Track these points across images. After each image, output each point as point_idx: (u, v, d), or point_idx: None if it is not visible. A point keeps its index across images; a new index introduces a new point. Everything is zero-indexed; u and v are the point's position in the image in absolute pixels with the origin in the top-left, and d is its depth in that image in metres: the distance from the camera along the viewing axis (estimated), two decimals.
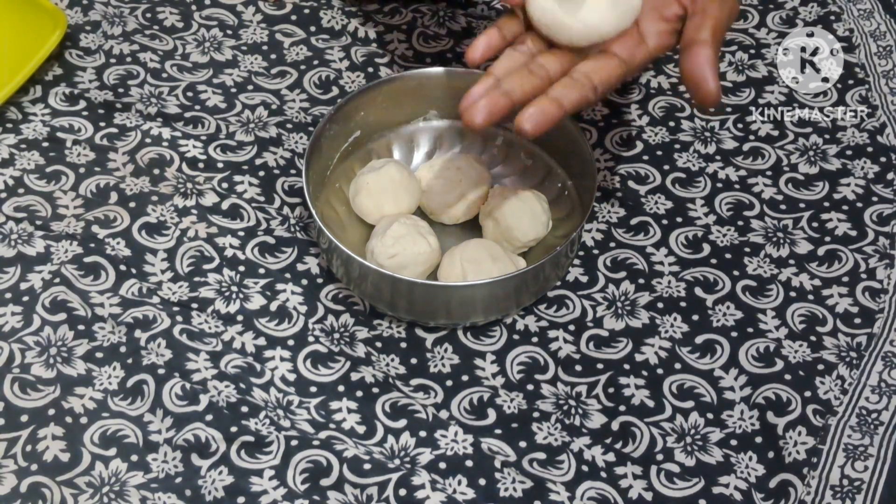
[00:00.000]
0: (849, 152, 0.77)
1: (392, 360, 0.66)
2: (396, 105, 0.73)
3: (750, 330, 0.67)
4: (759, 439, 0.63)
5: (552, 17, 0.57)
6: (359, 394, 0.64)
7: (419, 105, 0.75)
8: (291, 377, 0.65)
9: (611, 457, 0.62)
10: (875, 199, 0.74)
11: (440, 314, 0.66)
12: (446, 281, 0.66)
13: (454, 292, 0.64)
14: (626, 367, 0.66)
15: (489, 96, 0.55)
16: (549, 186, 0.73)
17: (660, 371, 0.66)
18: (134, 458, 0.61)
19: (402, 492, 0.60)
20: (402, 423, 0.63)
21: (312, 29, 0.84)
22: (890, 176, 0.76)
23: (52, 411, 0.62)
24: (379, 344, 0.67)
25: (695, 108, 0.80)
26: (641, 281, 0.70)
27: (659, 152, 0.77)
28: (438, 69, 0.73)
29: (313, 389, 0.64)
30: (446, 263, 0.67)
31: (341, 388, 0.64)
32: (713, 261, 0.71)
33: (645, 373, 0.65)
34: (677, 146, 0.77)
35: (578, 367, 0.66)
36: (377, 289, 0.65)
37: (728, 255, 0.71)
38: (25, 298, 0.67)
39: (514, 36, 0.59)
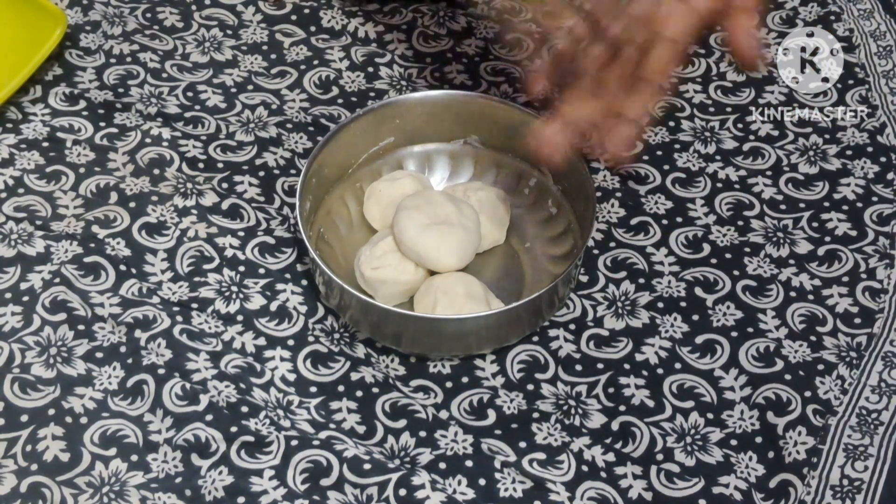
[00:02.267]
0: (849, 152, 0.77)
1: (392, 360, 0.66)
2: (437, 121, 0.72)
3: (750, 330, 0.67)
4: (759, 439, 0.63)
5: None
6: (359, 394, 0.64)
7: (460, 126, 0.73)
8: (291, 377, 0.65)
9: (611, 457, 0.62)
10: (875, 199, 0.74)
11: (434, 347, 0.65)
12: (419, 307, 0.66)
13: (445, 325, 0.63)
14: (627, 366, 0.66)
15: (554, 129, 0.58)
16: (553, 218, 0.72)
17: (660, 371, 0.66)
18: (134, 458, 0.61)
19: (402, 492, 0.60)
20: (402, 423, 0.63)
21: (312, 29, 0.84)
22: (890, 176, 0.76)
23: (52, 411, 0.62)
24: (379, 344, 0.67)
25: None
26: (641, 281, 0.70)
27: (659, 152, 0.77)
28: (487, 97, 0.74)
29: (313, 389, 0.64)
30: (423, 290, 0.66)
31: (341, 389, 0.64)
32: (713, 261, 0.71)
33: (645, 373, 0.65)
34: (677, 146, 0.77)
35: (578, 367, 0.66)
36: (365, 316, 0.65)
37: (728, 255, 0.71)
38: (25, 298, 0.67)
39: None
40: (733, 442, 0.63)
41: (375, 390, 0.64)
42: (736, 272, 0.70)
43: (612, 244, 0.72)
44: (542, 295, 0.62)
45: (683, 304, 0.69)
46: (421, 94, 0.72)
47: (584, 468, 0.61)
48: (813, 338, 0.67)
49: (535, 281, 0.69)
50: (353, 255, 0.69)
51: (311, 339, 0.66)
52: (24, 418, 0.62)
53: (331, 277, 0.62)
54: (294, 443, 0.61)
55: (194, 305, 0.67)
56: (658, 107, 0.80)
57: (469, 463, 0.61)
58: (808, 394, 0.64)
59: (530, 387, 0.65)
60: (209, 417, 0.62)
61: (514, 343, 0.66)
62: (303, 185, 0.66)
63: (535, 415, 0.64)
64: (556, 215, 0.71)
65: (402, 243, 0.66)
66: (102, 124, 0.77)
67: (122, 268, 0.69)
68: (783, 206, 0.74)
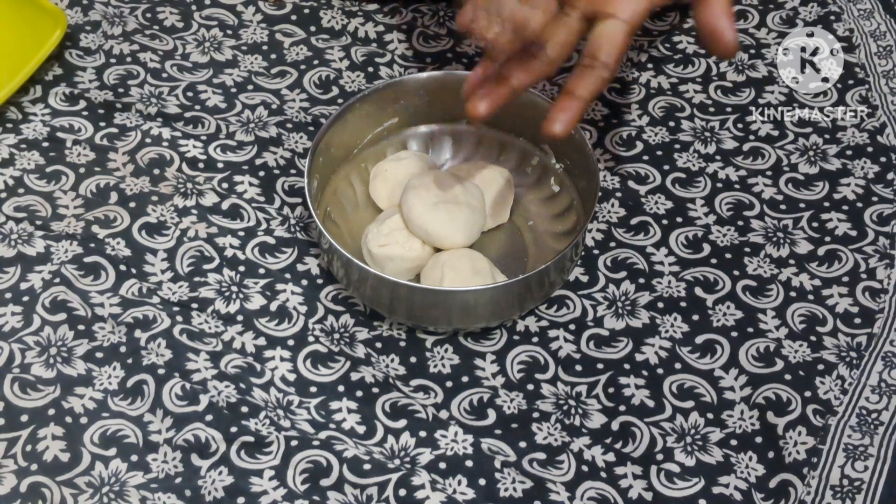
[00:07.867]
0: (849, 152, 0.77)
1: (392, 360, 0.66)
2: (439, 101, 0.73)
3: (750, 330, 0.67)
4: (759, 439, 0.63)
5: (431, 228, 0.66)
6: (359, 394, 0.64)
7: (463, 107, 0.74)
8: (291, 377, 0.65)
9: (611, 457, 0.62)
10: (875, 199, 0.74)
11: (441, 320, 0.66)
12: (426, 282, 0.66)
13: (455, 297, 0.63)
14: (627, 366, 0.66)
15: (487, 87, 0.59)
16: (556, 196, 0.72)
17: (660, 371, 0.66)
18: (134, 458, 0.61)
19: (402, 492, 0.60)
20: (402, 423, 0.63)
21: (312, 29, 0.84)
22: (890, 176, 0.76)
23: (52, 411, 0.62)
24: (379, 344, 0.67)
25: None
26: (642, 281, 0.70)
27: (659, 152, 0.77)
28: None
29: (313, 389, 0.64)
30: (430, 265, 0.67)
31: (341, 389, 0.64)
32: (713, 261, 0.71)
33: (645, 373, 0.65)
34: (677, 146, 0.77)
35: (578, 367, 0.66)
36: (376, 293, 0.65)
37: (728, 255, 0.71)
38: (25, 298, 0.67)
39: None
40: (733, 442, 0.63)
41: (375, 390, 0.64)
42: (736, 272, 0.70)
43: (612, 244, 0.72)
44: (548, 268, 0.63)
45: (683, 304, 0.69)
46: (425, 74, 0.72)
47: (584, 468, 0.61)
48: (813, 338, 0.67)
49: (539, 257, 0.70)
50: (360, 234, 0.69)
51: (311, 339, 0.66)
52: (24, 418, 0.62)
53: (343, 253, 0.62)
54: (294, 443, 0.62)
55: (194, 305, 0.67)
56: (658, 107, 0.80)
57: (469, 463, 0.61)
58: (808, 394, 0.64)
59: (530, 387, 0.65)
60: (209, 417, 0.62)
61: (516, 343, 0.66)
62: (310, 163, 0.67)
63: (535, 415, 0.64)
64: (559, 193, 0.72)
65: (410, 221, 0.67)
66: (102, 124, 0.77)
67: (122, 268, 0.69)
68: (783, 206, 0.74)
